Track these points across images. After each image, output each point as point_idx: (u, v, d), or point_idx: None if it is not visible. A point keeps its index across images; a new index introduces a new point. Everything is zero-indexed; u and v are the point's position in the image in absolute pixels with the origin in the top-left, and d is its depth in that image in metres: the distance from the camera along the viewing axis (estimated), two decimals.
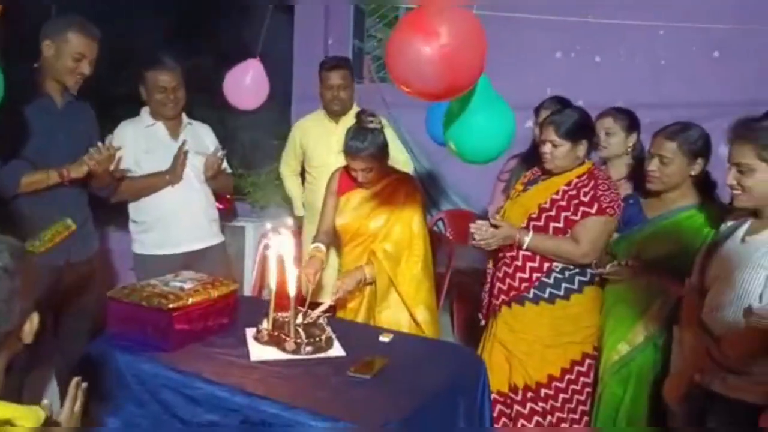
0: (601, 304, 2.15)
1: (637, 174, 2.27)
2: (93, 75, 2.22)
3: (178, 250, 2.59)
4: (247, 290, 3.74)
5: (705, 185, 2.02)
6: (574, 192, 2.07)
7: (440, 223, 4.51)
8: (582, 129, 2.08)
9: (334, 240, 2.44)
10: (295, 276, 1.87)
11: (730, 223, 1.70)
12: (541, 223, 2.10)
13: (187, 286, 1.95)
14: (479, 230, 2.08)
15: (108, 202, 2.48)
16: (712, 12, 3.81)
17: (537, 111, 2.86)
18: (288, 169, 3.18)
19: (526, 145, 3.01)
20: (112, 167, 2.26)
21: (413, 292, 2.20)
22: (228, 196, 3.77)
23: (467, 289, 3.63)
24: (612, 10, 4.08)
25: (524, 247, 2.08)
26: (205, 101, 3.48)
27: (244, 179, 4.48)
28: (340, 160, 2.38)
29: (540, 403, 2.10)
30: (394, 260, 2.21)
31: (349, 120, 2.77)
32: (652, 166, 1.99)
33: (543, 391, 2.10)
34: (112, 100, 3.14)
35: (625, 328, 2.04)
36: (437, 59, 1.39)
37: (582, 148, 2.09)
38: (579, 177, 2.09)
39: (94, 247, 2.39)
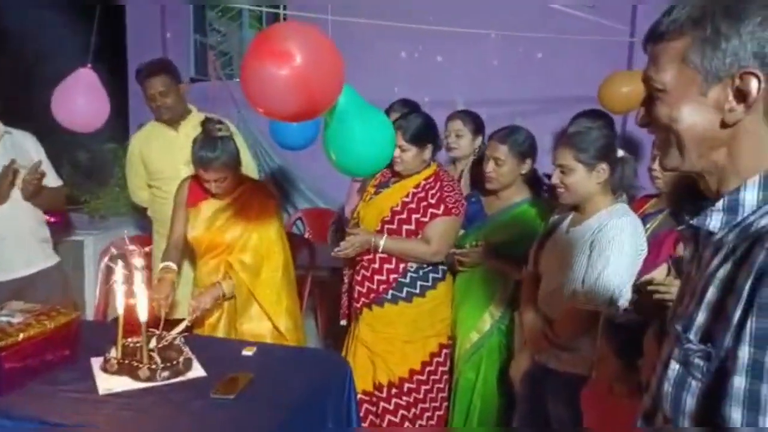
0: (451, 298, 2.30)
1: (477, 173, 2.46)
2: None
3: (5, 277, 2.31)
4: (90, 311, 3.43)
5: (534, 181, 2.25)
6: (422, 194, 2.19)
7: (299, 223, 4.51)
8: (427, 133, 2.20)
9: (186, 253, 2.32)
10: (145, 299, 1.75)
11: (556, 216, 1.91)
12: (394, 226, 2.19)
13: (16, 320, 1.74)
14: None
15: None
16: (534, 21, 4.24)
17: (386, 113, 2.95)
18: (136, 188, 2.93)
19: None
20: None
21: (274, 301, 2.18)
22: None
23: (329, 289, 3.67)
24: (450, 15, 4.35)
25: (380, 251, 2.16)
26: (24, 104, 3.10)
27: (80, 188, 4.10)
28: (187, 170, 2.26)
29: (404, 398, 2.21)
30: (253, 272, 2.16)
31: (189, 125, 2.68)
32: (489, 167, 2.18)
33: (406, 386, 2.20)
34: None
35: (475, 318, 2.22)
36: (292, 81, 1.38)
37: (428, 152, 2.21)
38: (426, 179, 2.22)
39: None
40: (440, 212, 2.16)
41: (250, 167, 2.85)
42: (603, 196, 1.74)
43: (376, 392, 2.23)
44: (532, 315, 1.84)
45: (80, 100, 2.45)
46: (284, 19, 4.80)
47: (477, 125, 2.66)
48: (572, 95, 4.19)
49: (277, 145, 3.31)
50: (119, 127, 4.33)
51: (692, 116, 0.77)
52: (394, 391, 2.21)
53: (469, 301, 2.25)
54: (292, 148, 3.21)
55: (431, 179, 2.21)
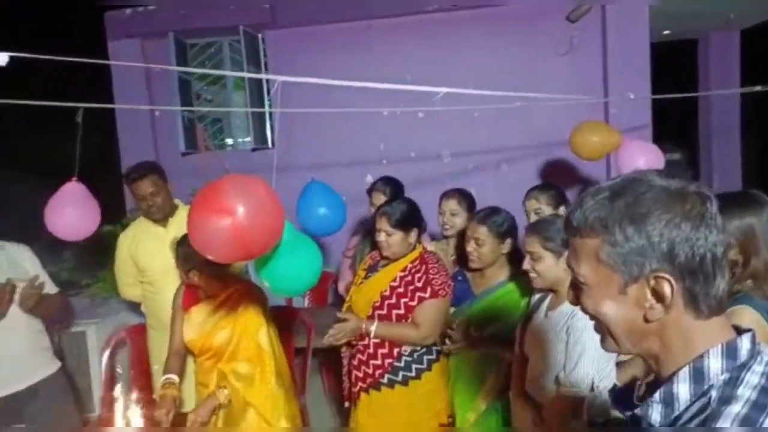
0: (448, 378, 2.33)
1: (461, 251, 2.51)
2: None
3: (4, 392, 2.32)
4: (97, 401, 3.47)
5: (517, 259, 2.29)
6: (409, 278, 2.24)
7: None
8: (411, 218, 2.27)
9: (186, 357, 2.37)
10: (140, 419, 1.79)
11: (537, 296, 1.95)
12: (384, 311, 2.25)
13: None
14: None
15: None
16: (510, 72, 4.37)
17: (369, 193, 3.03)
18: (126, 286, 2.94)
19: (364, 205, 3.15)
20: None
21: (270, 408, 2.20)
22: None
23: (331, 360, 3.70)
24: (427, 72, 4.47)
25: (372, 337, 2.20)
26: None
27: (80, 271, 4.17)
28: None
29: None
30: (247, 381, 2.19)
31: (177, 220, 2.74)
32: (470, 247, 2.24)
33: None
34: None
35: (469, 399, 2.25)
36: (232, 234, 1.50)
37: (413, 235, 2.28)
38: (412, 263, 2.27)
39: None
40: (427, 295, 2.20)
41: None
42: None
43: None
44: (521, 402, 1.87)
45: (70, 211, 2.54)
46: (267, 81, 4.94)
47: (471, 203, 2.74)
48: (551, 140, 4.30)
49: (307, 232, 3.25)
50: (114, 206, 4.43)
51: (615, 311, 0.79)
52: None
53: (463, 382, 2.28)
54: (319, 234, 3.08)
55: (417, 262, 2.26)
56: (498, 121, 4.35)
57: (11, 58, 1.56)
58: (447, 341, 2.24)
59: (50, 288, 2.56)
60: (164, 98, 4.98)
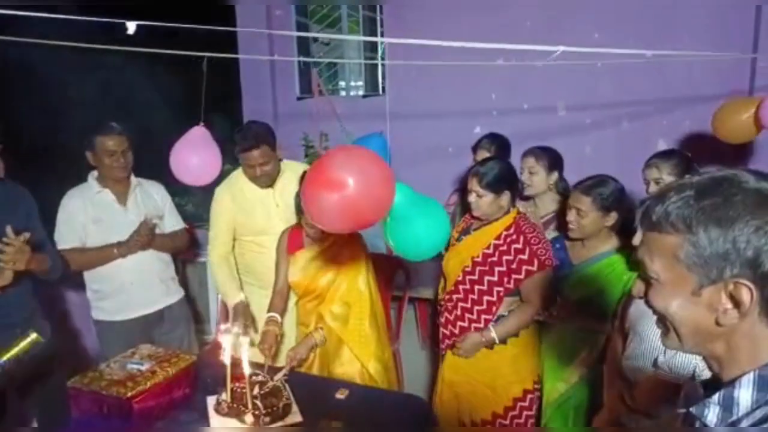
0: (536, 343, 2.30)
1: (562, 216, 2.41)
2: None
3: (136, 314, 2.66)
4: (213, 324, 3.83)
5: (625, 230, 2.17)
6: (504, 247, 2.20)
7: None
8: (503, 180, 2.20)
9: (288, 298, 2.54)
10: (247, 355, 1.96)
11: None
12: (476, 276, 2.24)
13: (144, 367, 2.03)
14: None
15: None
16: (642, 19, 3.96)
17: (474, 149, 2.97)
18: (220, 252, 2.67)
19: (468, 159, 3.11)
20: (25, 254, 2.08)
21: (363, 348, 2.33)
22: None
23: (427, 309, 3.78)
24: (549, 17, 4.20)
25: (498, 341, 2.20)
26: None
27: (203, 207, 4.52)
28: (284, 224, 2.50)
29: None
30: (342, 320, 2.33)
31: (283, 179, 2.65)
32: (570, 216, 2.14)
33: (489, 428, 2.26)
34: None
35: (561, 370, 2.22)
36: (340, 208, 1.53)
37: (505, 198, 2.21)
38: (507, 230, 2.21)
39: (47, 336, 2.31)
40: (535, 268, 2.15)
41: None
42: None
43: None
44: (614, 378, 1.81)
45: (194, 158, 2.71)
46: (381, 24, 4.90)
47: (552, 161, 2.61)
48: (683, 96, 3.90)
49: None
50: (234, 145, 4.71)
51: (684, 311, 0.77)
52: None
53: (555, 351, 2.24)
54: None
55: (512, 230, 2.21)
56: (622, 72, 4.00)
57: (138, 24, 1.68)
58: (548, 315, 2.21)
59: (176, 223, 2.84)
60: (284, 42, 5.12)
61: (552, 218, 2.61)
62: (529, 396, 2.29)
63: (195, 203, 4.79)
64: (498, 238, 2.22)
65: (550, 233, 2.52)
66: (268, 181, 2.60)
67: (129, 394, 1.90)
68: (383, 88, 5.03)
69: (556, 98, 4.40)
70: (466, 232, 2.35)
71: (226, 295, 2.62)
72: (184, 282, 3.18)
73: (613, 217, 2.13)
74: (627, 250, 2.11)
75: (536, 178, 2.60)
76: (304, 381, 2.27)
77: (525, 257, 2.16)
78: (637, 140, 4.02)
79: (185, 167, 2.70)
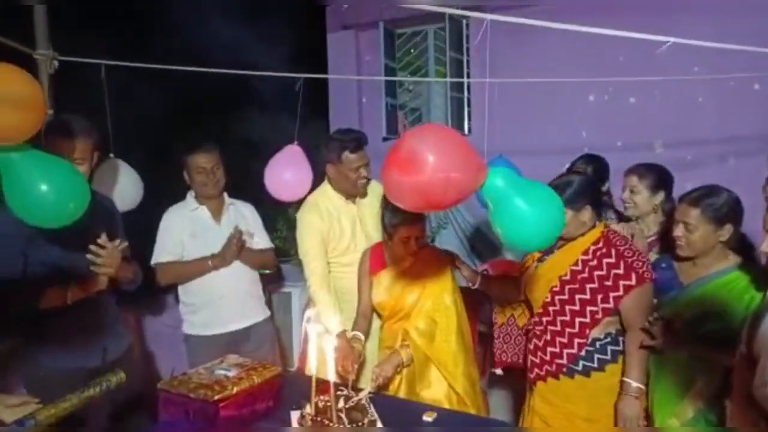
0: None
1: (667, 235, 2.23)
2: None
3: (224, 329, 2.70)
4: (296, 356, 3.80)
5: (742, 247, 1.96)
6: (594, 262, 2.05)
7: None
8: (582, 195, 2.07)
9: (372, 320, 2.48)
10: (333, 362, 1.90)
11: None
12: (566, 296, 2.09)
13: (231, 374, 2.02)
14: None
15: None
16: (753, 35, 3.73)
17: (568, 170, 2.85)
18: (318, 273, 2.52)
19: None
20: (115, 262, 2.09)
21: (451, 366, 2.21)
22: None
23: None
24: (642, 52, 4.07)
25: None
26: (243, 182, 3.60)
27: (289, 241, 4.61)
28: (366, 243, 2.49)
29: None
30: (428, 337, 2.23)
31: (370, 195, 2.62)
32: (678, 232, 1.96)
33: None
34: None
35: (672, 404, 1.98)
36: (417, 189, 1.51)
37: (586, 214, 2.08)
38: (594, 244, 2.07)
39: (127, 340, 2.40)
40: (633, 282, 1.98)
41: None
42: None
43: None
44: (743, 410, 1.59)
45: (287, 173, 2.85)
46: (467, 68, 4.95)
47: (658, 179, 2.44)
48: None
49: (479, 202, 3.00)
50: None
51: None
52: None
53: (665, 382, 2.01)
54: None
55: (600, 244, 2.07)
56: (726, 104, 3.78)
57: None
58: (646, 336, 1.99)
59: (266, 243, 2.91)
60: (372, 86, 5.28)
61: (655, 241, 2.41)
62: None
63: (280, 238, 4.90)
64: (585, 253, 2.07)
65: (652, 256, 2.32)
66: (365, 186, 2.56)
67: (215, 398, 1.88)
68: (469, 129, 5.03)
69: (652, 134, 4.22)
70: (548, 252, 2.22)
71: (328, 319, 2.38)
72: (271, 319, 3.16)
73: (728, 231, 1.92)
74: (747, 266, 1.90)
75: (638, 198, 2.44)
76: (390, 403, 2.16)
77: (620, 271, 1.99)
78: (744, 178, 3.72)
79: (279, 182, 2.84)
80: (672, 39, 1.75)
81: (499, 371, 2.83)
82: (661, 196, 2.41)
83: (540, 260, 2.23)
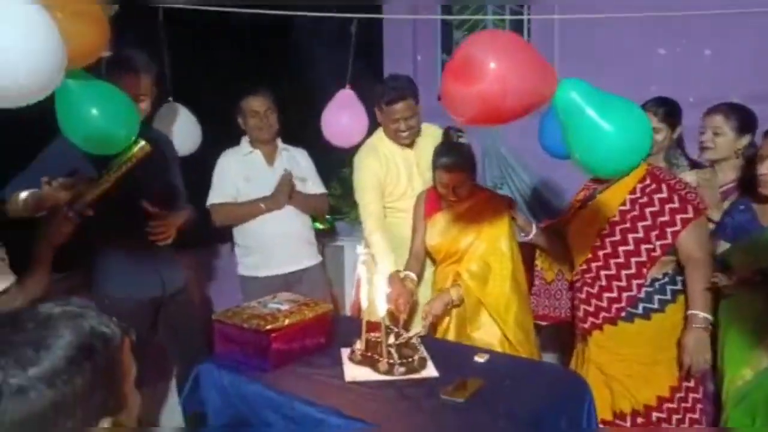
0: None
1: (748, 177, 2.06)
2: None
3: (278, 271, 2.73)
4: (348, 308, 3.83)
5: None
6: (645, 200, 1.96)
7: None
8: None
9: (425, 262, 2.43)
10: (384, 297, 1.88)
11: None
12: (618, 237, 1.99)
13: (284, 307, 2.03)
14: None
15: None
16: None
17: None
18: (375, 217, 2.46)
19: None
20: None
21: (503, 311, 2.15)
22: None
23: None
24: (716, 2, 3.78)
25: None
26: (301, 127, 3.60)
27: (343, 199, 4.62)
28: (423, 187, 2.43)
29: (652, 428, 1.95)
30: (481, 280, 2.17)
31: (423, 140, 2.56)
32: (765, 169, 1.81)
33: (654, 415, 1.95)
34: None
35: (747, 351, 1.85)
36: (473, 97, 1.43)
37: None
38: (641, 182, 1.98)
39: (182, 276, 2.48)
40: (691, 215, 1.90)
41: None
42: None
43: (618, 421, 2.01)
44: None
45: (344, 118, 2.81)
46: (528, 26, 4.75)
47: (745, 122, 2.21)
48: None
49: (547, 152, 2.71)
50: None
51: None
52: (639, 420, 1.96)
53: (737, 328, 1.88)
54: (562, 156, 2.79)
55: (647, 181, 1.97)
56: None
57: None
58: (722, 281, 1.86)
59: (318, 187, 2.92)
60: (427, 44, 5.15)
61: (732, 188, 2.22)
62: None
63: (334, 195, 4.91)
64: (633, 192, 1.98)
65: (727, 204, 2.15)
66: (411, 137, 2.49)
67: (267, 327, 1.89)
68: None
69: (729, 89, 3.91)
70: (590, 198, 2.11)
71: (384, 263, 2.34)
72: (323, 266, 3.16)
73: None
74: None
75: (722, 140, 2.21)
76: (440, 344, 2.13)
77: (676, 205, 1.90)
78: None
79: (336, 128, 2.81)
80: None
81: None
82: (746, 139, 2.20)
83: (582, 206, 2.13)
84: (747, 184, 2.08)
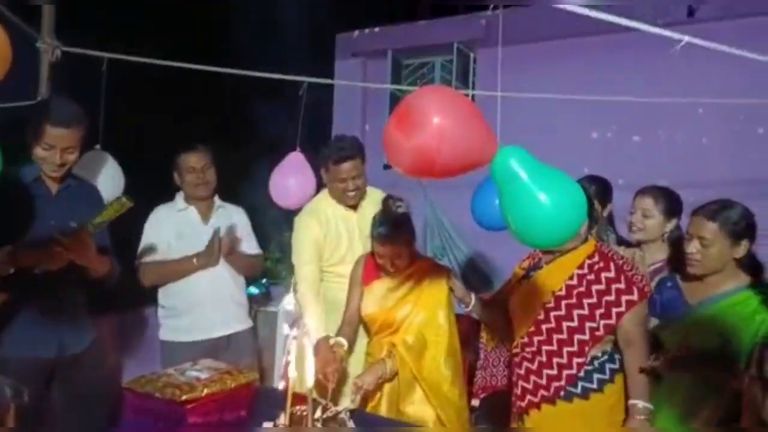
0: None
1: (676, 254, 2.13)
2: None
3: (204, 336, 2.58)
4: (277, 380, 3.64)
5: (752, 266, 1.86)
6: (592, 276, 1.96)
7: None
8: None
9: (357, 331, 2.35)
10: (312, 368, 1.77)
11: None
12: (562, 312, 1.98)
13: (204, 375, 1.88)
14: None
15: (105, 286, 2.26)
16: (755, 87, 3.74)
17: None
18: (309, 279, 2.42)
19: None
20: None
21: (437, 387, 2.07)
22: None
23: None
24: (649, 90, 4.07)
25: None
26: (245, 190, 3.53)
27: (281, 263, 4.51)
28: (362, 250, 2.36)
29: None
30: (416, 353, 2.10)
31: (368, 202, 2.54)
32: (692, 248, 1.86)
33: None
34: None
35: (678, 431, 1.83)
36: (410, 147, 1.43)
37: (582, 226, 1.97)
38: (590, 258, 1.99)
39: (90, 336, 2.26)
40: (636, 298, 1.91)
41: None
42: None
43: None
44: None
45: (291, 180, 2.88)
46: (473, 98, 4.95)
47: (673, 206, 2.31)
48: None
49: (478, 225, 2.88)
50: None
51: None
52: None
53: (669, 408, 1.87)
54: (495, 228, 2.68)
55: (596, 258, 1.98)
56: (735, 147, 3.75)
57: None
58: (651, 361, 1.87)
59: (253, 248, 2.83)
60: (377, 114, 5.28)
61: (660, 268, 2.29)
62: None
63: (272, 259, 4.80)
64: (581, 267, 1.98)
65: (655, 283, 2.21)
66: (357, 197, 2.47)
67: (183, 397, 1.74)
68: None
69: (658, 175, 4.14)
70: (535, 267, 2.11)
71: (314, 326, 2.26)
72: (254, 331, 3.03)
73: (744, 247, 1.83)
74: (758, 286, 1.80)
75: (650, 222, 2.29)
76: (371, 419, 2.02)
77: (622, 286, 1.90)
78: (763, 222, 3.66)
79: (284, 190, 2.88)
80: (686, 38, 1.68)
81: (475, 402, 2.63)
82: (673, 223, 2.30)
83: (526, 276, 2.12)
84: (676, 262, 2.13)
